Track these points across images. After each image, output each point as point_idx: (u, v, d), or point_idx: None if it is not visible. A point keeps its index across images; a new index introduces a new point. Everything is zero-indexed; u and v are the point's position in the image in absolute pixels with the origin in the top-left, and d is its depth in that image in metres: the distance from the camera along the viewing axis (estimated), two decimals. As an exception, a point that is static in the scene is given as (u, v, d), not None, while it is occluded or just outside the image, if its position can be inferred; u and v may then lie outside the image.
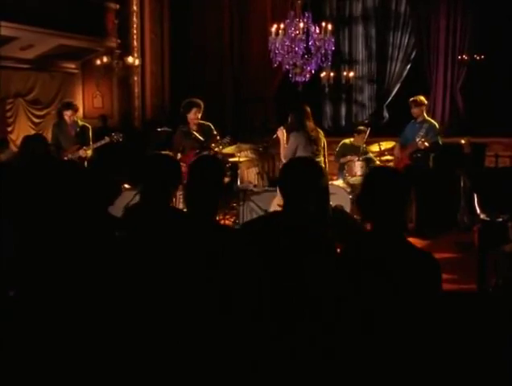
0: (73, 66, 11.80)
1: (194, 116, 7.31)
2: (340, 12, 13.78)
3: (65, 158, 7.22)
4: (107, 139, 7.68)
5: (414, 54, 13.08)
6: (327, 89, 14.16)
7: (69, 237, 3.08)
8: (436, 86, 12.00)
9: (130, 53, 11.89)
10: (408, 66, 13.27)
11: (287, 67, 9.22)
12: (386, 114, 13.62)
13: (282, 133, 6.77)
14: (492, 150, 9.88)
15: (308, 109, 6.73)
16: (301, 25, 8.67)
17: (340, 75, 13.55)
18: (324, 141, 6.81)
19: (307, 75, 9.36)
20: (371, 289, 2.48)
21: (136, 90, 12.33)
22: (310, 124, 6.65)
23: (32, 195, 3.83)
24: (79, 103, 11.02)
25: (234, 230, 3.19)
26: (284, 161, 6.57)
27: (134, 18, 12.12)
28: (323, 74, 12.36)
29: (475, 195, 6.15)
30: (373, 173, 2.89)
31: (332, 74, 12.71)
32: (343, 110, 14.48)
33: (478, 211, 5.92)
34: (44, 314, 3.02)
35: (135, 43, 12.16)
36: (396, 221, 2.56)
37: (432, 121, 8.12)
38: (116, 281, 2.98)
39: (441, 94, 11.91)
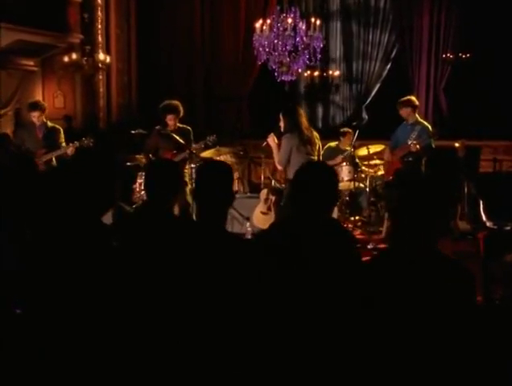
0: (32, 63, 11.09)
1: (169, 122, 7.01)
2: (316, 8, 13.22)
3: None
4: (76, 144, 7.18)
5: (394, 52, 12.55)
6: (303, 89, 13.69)
7: (65, 248, 2.86)
8: (419, 86, 11.49)
9: (95, 49, 11.30)
10: (388, 65, 12.74)
11: (273, 66, 8.75)
12: (365, 116, 13.15)
13: (272, 140, 6.49)
14: (483, 154, 9.56)
15: (301, 109, 6.62)
16: (289, 20, 8.19)
17: (323, 75, 13.08)
18: (318, 144, 6.56)
19: (294, 74, 8.92)
20: (402, 301, 2.45)
21: (101, 89, 11.72)
22: (304, 123, 6.40)
23: (26, 201, 3.74)
24: (38, 103, 10.39)
25: (248, 239, 3.13)
26: (280, 166, 6.41)
27: (99, 12, 11.48)
28: (307, 73, 12.00)
29: (480, 202, 5.92)
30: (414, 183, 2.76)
31: (316, 73, 12.37)
32: (320, 111, 13.97)
33: (484, 218, 5.75)
34: (46, 327, 2.85)
35: (100, 38, 11.52)
36: (430, 231, 2.50)
37: (425, 123, 7.82)
38: (118, 294, 2.87)
39: (424, 94, 11.36)
